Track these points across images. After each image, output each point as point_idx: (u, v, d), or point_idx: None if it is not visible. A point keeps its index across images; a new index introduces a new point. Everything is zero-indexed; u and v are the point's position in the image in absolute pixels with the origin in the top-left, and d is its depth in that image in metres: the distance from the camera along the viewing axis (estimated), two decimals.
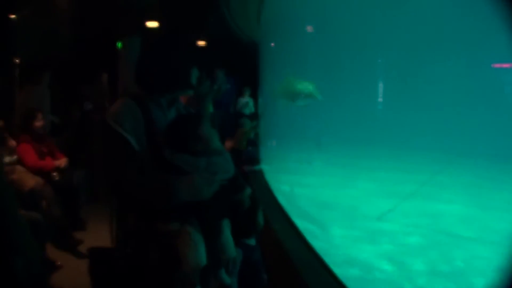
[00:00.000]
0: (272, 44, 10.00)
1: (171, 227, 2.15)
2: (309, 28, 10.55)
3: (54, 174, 5.83)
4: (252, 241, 3.17)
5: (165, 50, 2.31)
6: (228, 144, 5.89)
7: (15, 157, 5.56)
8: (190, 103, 2.87)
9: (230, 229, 2.45)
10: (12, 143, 5.61)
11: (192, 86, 2.38)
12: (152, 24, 9.92)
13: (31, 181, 5.46)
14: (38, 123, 5.84)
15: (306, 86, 8.06)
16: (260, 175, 6.76)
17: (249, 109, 11.65)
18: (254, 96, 11.66)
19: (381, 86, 15.07)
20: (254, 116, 8.99)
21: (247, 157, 6.39)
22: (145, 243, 2.21)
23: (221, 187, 2.21)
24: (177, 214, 2.15)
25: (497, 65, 13.90)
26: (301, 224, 4.95)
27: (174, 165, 2.14)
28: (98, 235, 2.50)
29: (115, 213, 2.36)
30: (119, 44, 10.58)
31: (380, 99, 15.06)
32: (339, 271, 3.71)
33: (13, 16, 7.99)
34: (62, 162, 5.99)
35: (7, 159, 5.42)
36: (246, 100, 11.85)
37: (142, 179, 2.12)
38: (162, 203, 2.11)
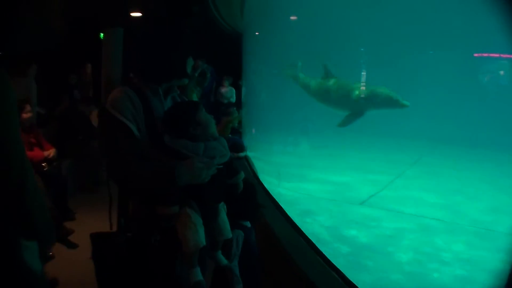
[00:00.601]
0: (257, 33, 10.06)
1: (172, 210, 2.22)
2: (292, 18, 10.61)
3: (43, 164, 5.85)
4: (247, 223, 3.25)
5: (161, 39, 2.36)
6: None
7: None
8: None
9: (226, 212, 2.53)
10: None
11: (188, 75, 2.44)
12: (138, 14, 9.91)
13: None
14: (26, 115, 5.84)
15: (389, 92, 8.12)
16: (245, 161, 6.85)
17: (226, 99, 11.67)
18: (236, 85, 11.70)
19: (363, 74, 15.11)
20: (236, 105, 9.08)
21: (231, 144, 6.49)
22: (146, 227, 2.28)
23: (218, 171, 2.29)
24: (177, 197, 2.22)
25: (476, 55, 14.06)
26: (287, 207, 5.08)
27: (174, 150, 2.22)
28: (88, 224, 2.55)
29: (115, 198, 2.42)
30: (101, 35, 10.58)
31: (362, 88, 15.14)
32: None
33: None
34: (51, 152, 6.01)
35: None
36: (227, 89, 11.87)
37: (144, 165, 2.19)
38: (164, 187, 2.18)
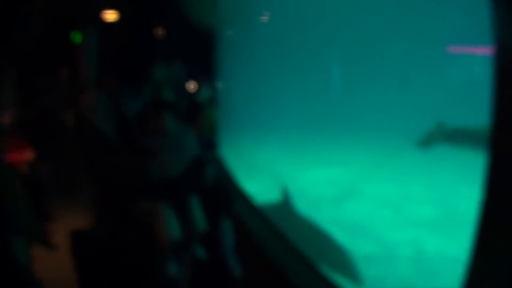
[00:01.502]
0: (230, 32, 10.20)
1: (145, 206, 2.39)
2: (265, 15, 10.76)
3: (23, 167, 5.93)
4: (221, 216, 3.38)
5: (133, 44, 2.52)
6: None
7: None
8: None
9: (199, 205, 2.69)
10: None
11: (155, 79, 2.58)
12: (111, 15, 9.96)
13: None
14: (7, 120, 5.92)
15: None
16: (218, 158, 6.95)
17: (202, 98, 11.72)
18: (211, 84, 11.80)
19: (334, 70, 15.27)
20: (211, 103, 9.17)
21: (205, 142, 6.59)
22: (122, 224, 2.45)
23: (188, 165, 2.49)
24: (150, 193, 2.41)
25: (450, 48, 14.27)
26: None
27: (145, 147, 2.41)
28: (67, 225, 2.65)
29: (93, 197, 2.55)
30: (77, 37, 10.61)
31: (333, 83, 15.30)
32: None
33: None
34: (29, 155, 6.09)
35: None
36: (203, 88, 11.93)
37: (117, 162, 2.37)
38: (137, 181, 2.37)
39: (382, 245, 5.40)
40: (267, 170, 8.05)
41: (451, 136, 6.72)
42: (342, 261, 4.14)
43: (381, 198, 6.91)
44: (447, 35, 13.44)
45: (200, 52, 11.46)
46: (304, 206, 6.32)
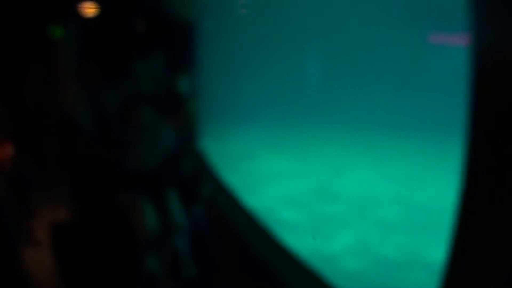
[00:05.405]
0: (209, 24, 10.21)
1: (123, 198, 2.39)
2: (243, 10, 10.77)
3: (4, 163, 5.92)
4: (198, 208, 3.41)
5: (109, 37, 2.53)
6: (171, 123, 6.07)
7: None
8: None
9: (177, 197, 2.69)
10: None
11: (134, 71, 2.59)
12: (90, 9, 9.92)
13: None
14: None
15: None
16: (197, 151, 6.93)
17: (182, 91, 11.69)
18: (191, 76, 11.78)
19: (314, 62, 15.24)
20: (191, 96, 9.19)
21: (183, 135, 6.60)
22: (100, 217, 2.42)
23: (166, 157, 2.49)
24: (127, 186, 2.39)
25: (430, 40, 14.31)
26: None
27: (122, 139, 2.40)
28: (49, 220, 2.72)
29: (72, 191, 2.59)
30: (57, 32, 10.59)
31: (313, 75, 15.28)
32: None
33: None
34: (10, 151, 6.08)
35: None
36: (182, 81, 11.91)
37: (94, 155, 2.36)
38: (114, 176, 2.36)
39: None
40: (247, 162, 8.06)
41: None
42: None
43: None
44: (428, 24, 13.45)
45: (179, 45, 11.48)
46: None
